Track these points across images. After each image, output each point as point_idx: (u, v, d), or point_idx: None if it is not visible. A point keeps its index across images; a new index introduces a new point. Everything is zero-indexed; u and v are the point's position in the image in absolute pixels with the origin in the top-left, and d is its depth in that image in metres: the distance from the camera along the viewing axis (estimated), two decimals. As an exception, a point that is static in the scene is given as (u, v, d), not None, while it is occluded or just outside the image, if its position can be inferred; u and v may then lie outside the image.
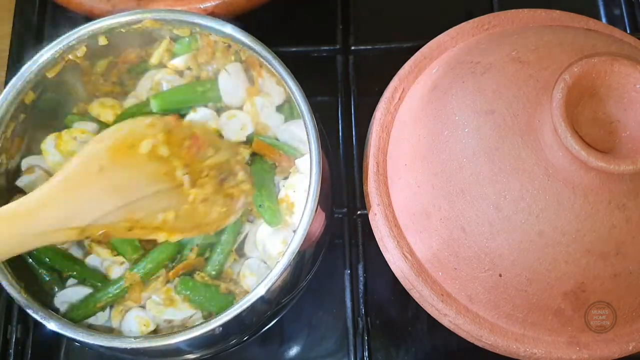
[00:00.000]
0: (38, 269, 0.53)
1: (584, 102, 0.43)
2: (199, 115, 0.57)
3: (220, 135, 0.56)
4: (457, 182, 0.47)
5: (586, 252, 0.44)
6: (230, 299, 0.52)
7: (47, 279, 0.53)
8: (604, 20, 0.74)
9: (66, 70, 0.54)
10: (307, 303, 0.63)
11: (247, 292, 0.52)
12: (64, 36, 0.53)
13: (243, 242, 0.56)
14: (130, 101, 0.59)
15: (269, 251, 0.53)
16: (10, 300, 0.61)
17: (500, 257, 0.46)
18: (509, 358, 0.50)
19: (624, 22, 0.73)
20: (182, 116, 0.56)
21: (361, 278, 0.63)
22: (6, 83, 0.52)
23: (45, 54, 0.53)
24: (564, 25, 0.56)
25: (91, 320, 0.53)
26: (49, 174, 0.55)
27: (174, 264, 0.54)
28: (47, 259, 0.53)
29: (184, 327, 0.52)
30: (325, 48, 0.70)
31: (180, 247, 0.55)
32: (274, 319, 0.57)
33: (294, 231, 0.48)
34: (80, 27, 0.53)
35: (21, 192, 0.54)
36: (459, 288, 0.49)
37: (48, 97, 0.55)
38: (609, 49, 0.49)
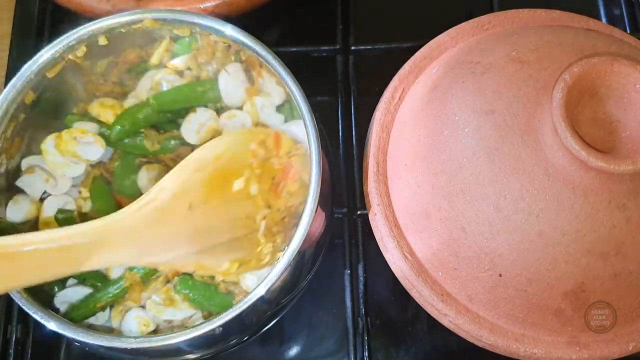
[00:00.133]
0: (38, 269, 0.53)
1: (584, 102, 0.43)
2: (198, 115, 0.57)
3: None
4: (457, 182, 0.47)
5: (586, 252, 0.44)
6: (229, 299, 0.52)
7: (47, 279, 0.53)
8: (604, 20, 0.74)
9: (66, 70, 0.54)
10: (307, 303, 0.63)
11: (246, 292, 0.52)
12: (64, 36, 0.53)
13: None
14: (130, 101, 0.59)
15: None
16: (10, 300, 0.61)
17: (500, 257, 0.46)
18: (509, 358, 0.50)
19: (624, 22, 0.73)
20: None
21: (361, 278, 0.63)
22: (6, 83, 0.52)
23: (45, 54, 0.53)
24: (564, 25, 0.56)
25: (91, 321, 0.53)
26: (49, 174, 0.55)
27: (174, 264, 0.54)
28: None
29: (184, 327, 0.52)
30: (325, 48, 0.70)
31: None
32: (274, 319, 0.57)
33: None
34: (80, 27, 0.53)
35: (21, 192, 0.54)
36: (459, 288, 0.49)
37: (48, 97, 0.55)
38: (609, 49, 0.49)
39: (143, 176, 0.56)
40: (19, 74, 0.52)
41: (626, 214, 0.44)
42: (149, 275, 0.53)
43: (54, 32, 0.55)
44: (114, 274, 0.54)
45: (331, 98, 0.69)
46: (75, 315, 0.52)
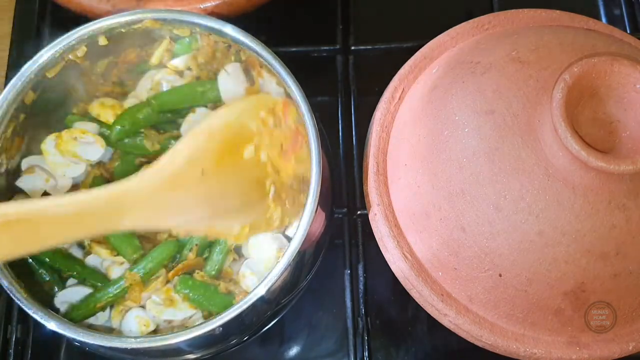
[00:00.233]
0: (38, 269, 0.53)
1: (584, 102, 0.43)
2: (198, 115, 0.57)
3: None
4: (457, 182, 0.47)
5: (586, 252, 0.44)
6: (229, 299, 0.52)
7: (47, 279, 0.53)
8: (604, 20, 0.74)
9: (66, 70, 0.54)
10: (307, 303, 0.63)
11: (246, 292, 0.52)
12: (64, 36, 0.53)
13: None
14: (130, 101, 0.59)
15: (265, 259, 0.53)
16: (10, 300, 0.61)
17: (500, 257, 0.46)
18: (509, 358, 0.50)
19: (624, 22, 0.73)
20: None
21: (361, 278, 0.63)
22: (6, 83, 0.52)
23: (45, 54, 0.53)
24: (564, 25, 0.56)
25: (91, 321, 0.53)
26: (49, 174, 0.55)
27: (173, 263, 0.54)
28: (47, 259, 0.53)
29: (184, 327, 0.52)
30: (325, 48, 0.70)
31: (179, 247, 0.55)
32: (274, 319, 0.57)
33: (285, 234, 0.48)
34: (80, 27, 0.53)
35: (21, 192, 0.54)
36: (459, 288, 0.49)
37: (48, 97, 0.55)
38: (609, 49, 0.49)
39: None
40: (19, 74, 0.52)
41: (626, 214, 0.44)
42: (149, 275, 0.53)
43: (54, 32, 0.55)
44: (114, 274, 0.54)
45: (331, 98, 0.69)
46: (75, 315, 0.52)
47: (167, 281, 0.54)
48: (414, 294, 0.52)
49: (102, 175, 0.57)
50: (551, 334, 0.48)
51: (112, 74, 0.58)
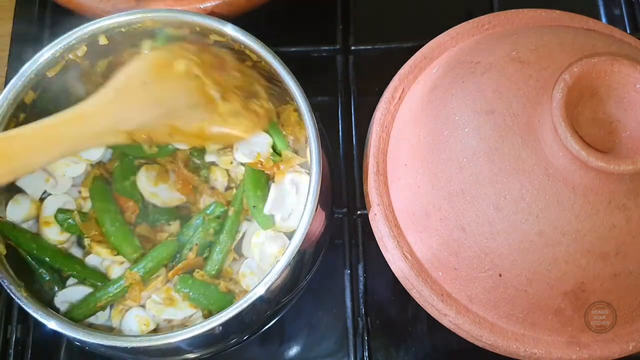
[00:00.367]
0: (38, 269, 0.53)
1: (584, 102, 0.43)
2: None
3: None
4: (457, 182, 0.47)
5: (586, 252, 0.44)
6: (229, 298, 0.52)
7: (47, 278, 0.53)
8: (604, 20, 0.74)
9: (66, 70, 0.54)
10: (307, 303, 0.63)
11: (246, 291, 0.52)
12: (64, 36, 0.53)
13: (241, 241, 0.56)
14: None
15: (265, 257, 0.53)
16: (10, 300, 0.61)
17: (500, 257, 0.46)
18: (509, 358, 0.50)
19: (624, 22, 0.73)
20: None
21: (361, 278, 0.63)
22: (6, 83, 0.52)
23: (45, 53, 0.53)
24: (564, 25, 0.56)
25: (91, 320, 0.53)
26: (49, 173, 0.55)
27: (173, 263, 0.54)
28: (47, 259, 0.53)
29: (184, 326, 0.52)
30: (325, 48, 0.70)
31: (180, 246, 0.55)
32: (274, 318, 0.57)
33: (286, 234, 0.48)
34: (80, 27, 0.53)
35: (21, 191, 0.54)
36: (459, 288, 0.49)
37: (48, 97, 0.55)
38: (609, 49, 0.49)
39: (142, 177, 0.56)
40: (19, 74, 0.52)
41: (626, 214, 0.44)
42: (149, 274, 0.53)
43: (54, 32, 0.55)
44: (114, 274, 0.54)
45: (331, 98, 0.69)
46: (76, 315, 0.52)
47: (167, 280, 0.54)
48: (414, 294, 0.52)
49: (102, 175, 0.57)
50: (551, 334, 0.48)
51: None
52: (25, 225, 0.54)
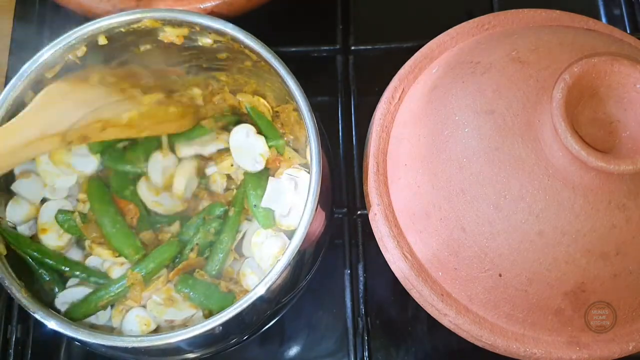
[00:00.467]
0: (38, 269, 0.53)
1: (584, 102, 0.43)
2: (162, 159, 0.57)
3: None
4: (457, 182, 0.47)
5: (586, 252, 0.44)
6: (230, 298, 0.52)
7: (47, 278, 0.53)
8: (604, 20, 0.74)
9: (66, 70, 0.54)
10: (307, 303, 0.63)
11: (247, 291, 0.52)
12: (64, 36, 0.53)
13: (242, 241, 0.56)
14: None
15: (265, 257, 0.53)
16: (10, 300, 0.61)
17: (500, 257, 0.46)
18: (509, 358, 0.50)
19: (624, 22, 0.73)
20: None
21: (361, 278, 0.63)
22: (6, 83, 0.52)
23: (45, 54, 0.53)
24: (564, 25, 0.56)
25: (92, 320, 0.53)
26: (43, 178, 0.55)
27: (174, 263, 0.54)
28: (47, 259, 0.53)
29: (184, 326, 0.52)
30: (325, 48, 0.70)
31: (181, 247, 0.55)
32: (274, 318, 0.57)
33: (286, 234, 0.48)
34: (80, 27, 0.53)
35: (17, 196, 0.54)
36: (459, 288, 0.49)
37: (48, 97, 0.55)
38: (609, 49, 0.49)
39: (143, 186, 0.56)
40: (18, 74, 0.52)
41: (626, 214, 0.44)
42: (151, 274, 0.53)
43: (54, 32, 0.55)
44: (114, 275, 0.54)
45: (331, 98, 0.69)
46: (76, 315, 0.52)
47: (168, 281, 0.54)
48: (414, 294, 0.52)
49: (100, 177, 0.57)
50: (551, 334, 0.48)
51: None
52: (25, 226, 0.54)
